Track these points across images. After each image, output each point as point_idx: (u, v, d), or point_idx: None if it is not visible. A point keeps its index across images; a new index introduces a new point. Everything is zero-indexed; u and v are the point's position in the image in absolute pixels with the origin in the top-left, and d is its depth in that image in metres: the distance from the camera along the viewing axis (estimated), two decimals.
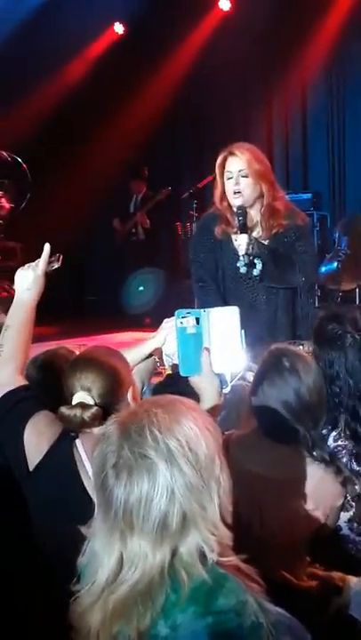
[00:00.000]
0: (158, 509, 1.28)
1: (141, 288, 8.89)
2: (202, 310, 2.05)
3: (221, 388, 2.07)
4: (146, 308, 8.40)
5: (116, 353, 2.25)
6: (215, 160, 3.65)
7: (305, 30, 8.68)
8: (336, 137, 9.16)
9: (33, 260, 2.47)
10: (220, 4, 9.10)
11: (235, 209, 3.59)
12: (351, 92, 8.98)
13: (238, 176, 3.54)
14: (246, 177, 3.54)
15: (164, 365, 3.04)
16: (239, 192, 3.55)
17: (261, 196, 3.60)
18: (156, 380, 3.74)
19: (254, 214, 3.65)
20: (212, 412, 1.96)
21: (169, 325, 2.37)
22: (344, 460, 2.46)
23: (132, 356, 2.55)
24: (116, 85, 9.66)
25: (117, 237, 9.51)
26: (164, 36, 9.21)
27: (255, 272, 3.62)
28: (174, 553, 1.29)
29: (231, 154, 3.56)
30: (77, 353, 2.43)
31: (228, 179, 3.57)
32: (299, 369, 2.31)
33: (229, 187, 3.57)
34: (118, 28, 9.81)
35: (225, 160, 3.57)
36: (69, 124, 9.81)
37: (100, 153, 9.74)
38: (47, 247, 2.45)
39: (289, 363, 2.33)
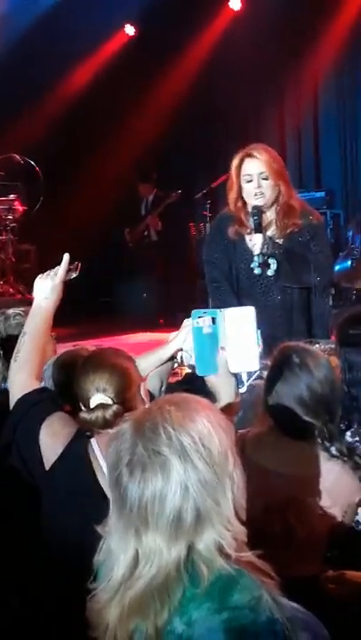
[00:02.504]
0: (172, 505, 1.28)
1: (145, 295, 8.97)
2: (218, 310, 2.06)
3: (238, 388, 2.08)
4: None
5: (122, 353, 2.29)
6: (228, 160, 3.66)
7: (316, 28, 8.67)
8: (348, 135, 9.13)
9: (47, 263, 2.50)
10: (230, 3, 9.07)
11: (250, 208, 3.59)
12: None
13: (259, 178, 3.54)
14: (267, 179, 3.54)
15: (182, 364, 3.05)
16: (262, 194, 3.55)
17: (279, 195, 3.60)
18: (173, 379, 3.75)
19: (270, 214, 3.65)
20: (229, 411, 1.97)
21: (189, 324, 2.39)
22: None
23: (156, 358, 2.58)
24: (126, 86, 9.67)
25: (130, 244, 9.53)
26: (174, 36, 9.21)
27: (270, 272, 3.63)
28: (191, 548, 1.30)
29: (249, 156, 3.55)
30: None
31: (248, 181, 3.56)
32: (309, 364, 2.32)
33: (249, 189, 3.56)
34: (129, 30, 9.82)
35: (242, 162, 3.56)
36: (81, 126, 9.83)
37: (111, 154, 9.75)
38: (66, 257, 2.50)
39: (299, 359, 2.34)
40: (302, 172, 9.47)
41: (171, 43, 9.27)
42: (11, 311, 3.03)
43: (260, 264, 3.62)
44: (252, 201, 3.57)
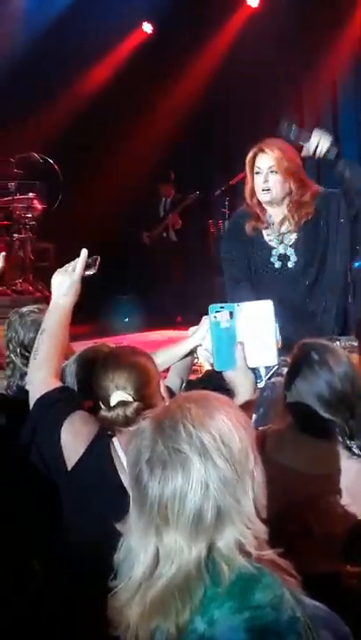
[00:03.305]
0: (193, 504, 1.28)
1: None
2: (235, 304, 2.05)
3: (256, 383, 2.07)
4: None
5: (139, 350, 2.29)
6: (245, 158, 3.66)
7: (334, 27, 8.59)
8: None
9: (65, 261, 2.48)
10: (248, 0, 9.03)
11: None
12: None
13: (268, 172, 3.54)
14: (275, 173, 3.53)
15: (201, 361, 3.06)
16: (268, 189, 3.55)
17: (290, 193, 3.59)
18: (193, 377, 3.74)
19: (281, 210, 3.65)
20: (247, 406, 1.96)
21: (208, 324, 2.38)
22: None
23: (173, 354, 2.58)
24: (144, 85, 9.67)
25: (147, 246, 9.54)
26: (191, 35, 9.21)
27: (290, 264, 3.62)
28: (211, 547, 1.30)
29: (261, 150, 3.57)
30: None
31: (257, 173, 3.57)
32: (328, 360, 2.30)
33: (258, 182, 3.57)
34: (147, 28, 9.83)
35: (255, 156, 3.58)
36: (98, 124, 9.84)
37: (128, 153, 9.76)
38: (84, 252, 2.47)
39: (318, 355, 2.32)
40: (321, 169, 9.41)
41: (188, 41, 9.28)
42: (25, 309, 3.02)
43: (279, 257, 3.62)
44: (260, 196, 3.59)
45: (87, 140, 9.80)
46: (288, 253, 3.63)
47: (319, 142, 3.43)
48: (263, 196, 3.57)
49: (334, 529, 2.25)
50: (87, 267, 2.47)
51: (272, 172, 3.53)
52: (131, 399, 2.11)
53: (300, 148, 3.57)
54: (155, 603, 1.30)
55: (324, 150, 3.44)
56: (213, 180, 9.34)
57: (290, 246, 3.63)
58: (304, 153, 3.52)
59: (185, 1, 9.01)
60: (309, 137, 3.46)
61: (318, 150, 3.44)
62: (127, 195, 9.70)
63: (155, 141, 9.72)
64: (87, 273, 2.47)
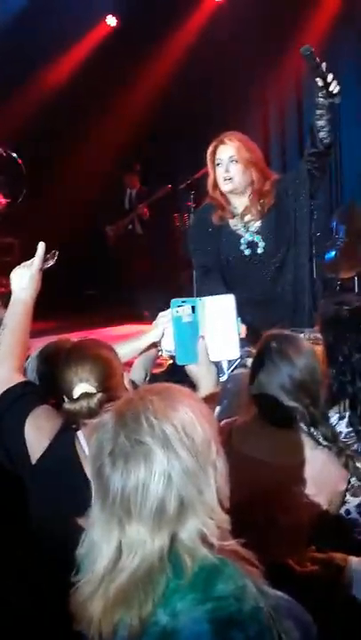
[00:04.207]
0: (155, 495, 1.28)
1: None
2: (197, 299, 2.05)
3: (218, 376, 2.07)
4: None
5: (102, 343, 2.30)
6: None
7: (299, 20, 8.63)
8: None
9: (30, 256, 2.47)
10: None
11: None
12: (345, 82, 8.90)
13: (228, 162, 3.60)
14: (236, 162, 3.59)
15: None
16: (230, 178, 3.61)
17: (252, 182, 3.64)
18: (157, 370, 3.75)
19: (243, 200, 3.70)
20: (210, 400, 1.97)
21: (165, 320, 2.38)
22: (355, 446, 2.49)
23: (127, 349, 2.58)
24: (109, 78, 9.61)
25: (110, 241, 9.49)
26: (157, 27, 9.17)
27: (259, 250, 3.66)
28: (174, 538, 1.29)
29: (221, 142, 3.63)
30: None
31: (218, 165, 3.62)
32: (289, 352, 2.35)
33: (220, 173, 3.62)
34: (111, 21, 9.77)
35: (216, 148, 3.64)
36: (64, 118, 9.78)
37: (94, 146, 9.72)
38: (41, 245, 2.47)
39: (279, 347, 2.37)
40: (286, 164, 9.46)
41: (153, 33, 9.24)
42: None
43: (248, 245, 3.65)
44: (222, 187, 3.63)
45: (52, 134, 9.73)
46: (256, 240, 3.68)
47: (334, 81, 3.43)
48: (225, 186, 3.62)
49: (300, 519, 2.27)
50: (45, 260, 2.47)
51: (232, 161, 3.60)
52: (94, 391, 2.11)
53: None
54: (118, 595, 1.29)
55: (336, 91, 3.45)
56: (180, 172, 9.33)
57: (256, 233, 3.68)
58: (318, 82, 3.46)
59: None
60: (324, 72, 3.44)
61: (333, 87, 3.44)
62: (93, 188, 9.65)
63: (120, 134, 9.68)
64: (46, 266, 2.47)
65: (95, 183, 9.67)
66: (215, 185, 3.67)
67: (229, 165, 3.59)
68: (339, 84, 3.44)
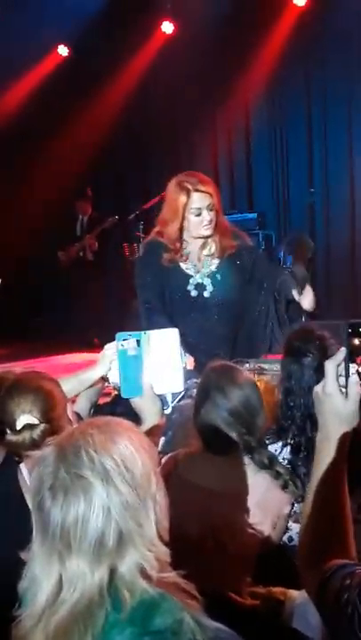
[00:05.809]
0: (95, 528, 1.28)
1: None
2: (143, 332, 2.07)
3: (163, 409, 2.10)
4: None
5: (44, 375, 2.29)
6: (161, 182, 3.71)
7: (247, 52, 8.79)
8: (279, 157, 9.27)
9: None
10: (162, 26, 9.16)
11: (194, 237, 3.66)
12: (293, 112, 9.12)
13: (208, 210, 3.62)
14: (213, 209, 3.63)
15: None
16: (210, 223, 3.64)
17: (216, 228, 3.70)
18: (102, 400, 3.74)
19: (202, 243, 3.75)
20: (154, 431, 1.98)
21: (111, 352, 2.39)
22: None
23: (74, 383, 2.58)
24: (60, 107, 9.64)
25: (63, 265, 9.46)
26: (107, 58, 9.25)
27: (206, 294, 3.69)
28: (113, 572, 1.30)
29: (197, 190, 3.59)
30: None
31: (197, 215, 3.62)
32: (223, 386, 2.41)
33: (198, 221, 3.63)
34: (62, 50, 9.82)
35: (190, 196, 3.60)
36: (13, 146, 9.77)
37: (44, 175, 9.73)
38: None
39: (216, 380, 2.44)
40: (235, 193, 9.60)
41: (104, 64, 9.32)
42: None
43: (195, 286, 3.68)
44: (202, 231, 3.65)
45: (4, 159, 9.71)
46: (205, 283, 3.71)
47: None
48: (207, 231, 3.65)
49: (245, 546, 2.30)
50: None
51: (211, 209, 3.62)
52: (37, 422, 2.11)
53: None
54: (58, 629, 1.29)
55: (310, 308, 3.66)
56: (129, 201, 9.38)
57: (207, 276, 3.71)
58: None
59: (100, 25, 9.04)
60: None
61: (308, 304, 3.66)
62: (42, 216, 9.65)
63: (70, 163, 9.71)
64: None
65: (44, 211, 9.66)
66: (179, 229, 3.66)
67: (209, 213, 3.62)
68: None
